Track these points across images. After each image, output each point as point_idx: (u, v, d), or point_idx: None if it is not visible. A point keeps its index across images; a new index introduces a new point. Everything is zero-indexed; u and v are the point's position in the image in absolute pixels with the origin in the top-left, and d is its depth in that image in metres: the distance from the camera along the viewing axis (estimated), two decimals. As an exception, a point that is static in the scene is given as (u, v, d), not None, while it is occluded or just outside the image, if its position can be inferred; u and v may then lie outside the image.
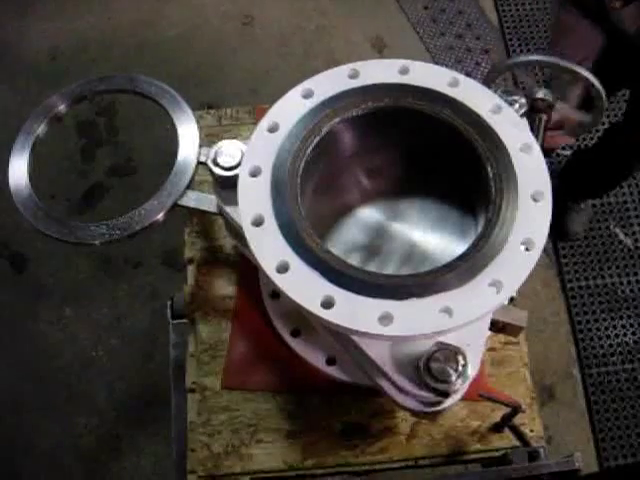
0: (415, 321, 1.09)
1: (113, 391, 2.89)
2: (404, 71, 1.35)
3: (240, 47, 3.70)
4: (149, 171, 3.28)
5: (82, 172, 3.36)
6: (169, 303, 1.79)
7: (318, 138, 1.28)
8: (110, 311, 3.04)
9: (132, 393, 2.90)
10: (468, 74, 3.42)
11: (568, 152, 3.19)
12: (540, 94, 1.59)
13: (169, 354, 1.83)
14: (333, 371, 1.47)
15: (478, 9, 3.80)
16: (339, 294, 1.11)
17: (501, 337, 1.54)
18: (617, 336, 2.95)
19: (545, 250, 1.15)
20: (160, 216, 1.41)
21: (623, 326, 2.97)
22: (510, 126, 1.28)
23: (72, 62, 3.67)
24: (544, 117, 1.60)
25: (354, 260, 1.35)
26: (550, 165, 3.06)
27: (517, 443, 1.53)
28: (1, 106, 3.52)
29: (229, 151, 1.35)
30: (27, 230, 1.44)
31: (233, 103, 3.11)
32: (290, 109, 1.31)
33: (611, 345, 2.93)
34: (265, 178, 1.24)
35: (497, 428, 1.54)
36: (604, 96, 1.61)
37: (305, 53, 3.68)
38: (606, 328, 2.97)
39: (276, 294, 1.55)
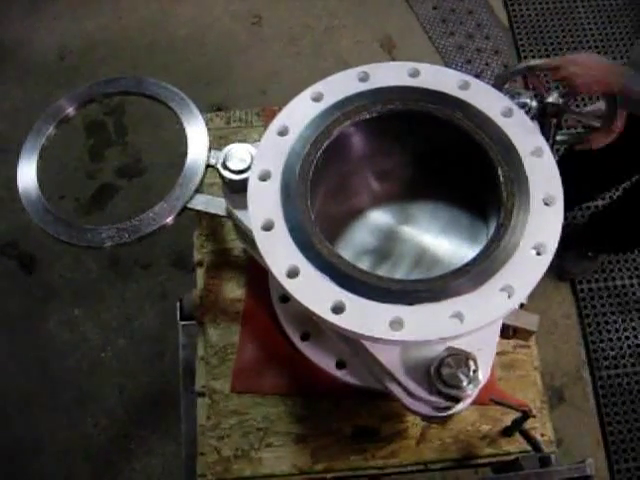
0: (426, 326, 1.08)
1: (123, 391, 2.90)
2: (414, 74, 1.34)
3: (249, 47, 3.70)
4: (158, 171, 3.27)
5: (91, 172, 3.36)
6: (178, 304, 1.78)
7: (328, 141, 1.27)
8: (119, 311, 3.05)
9: (142, 393, 2.90)
10: (478, 75, 3.42)
11: None
12: (551, 98, 1.59)
13: (179, 355, 1.83)
14: (343, 375, 1.46)
15: (488, 9, 3.78)
16: (349, 299, 1.10)
17: (511, 340, 1.53)
18: (628, 338, 2.93)
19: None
20: (169, 219, 1.41)
21: (634, 328, 2.95)
22: (521, 129, 1.26)
23: (81, 62, 3.67)
24: (555, 121, 1.59)
25: (364, 263, 1.35)
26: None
27: (528, 447, 1.52)
28: (10, 106, 3.53)
29: (239, 154, 1.35)
30: (36, 231, 1.43)
31: (242, 104, 3.13)
32: (300, 112, 1.30)
33: (621, 347, 2.92)
34: (275, 182, 1.23)
35: (508, 432, 1.53)
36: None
37: (314, 53, 3.68)
38: (617, 330, 2.95)
39: (285, 297, 1.55)
